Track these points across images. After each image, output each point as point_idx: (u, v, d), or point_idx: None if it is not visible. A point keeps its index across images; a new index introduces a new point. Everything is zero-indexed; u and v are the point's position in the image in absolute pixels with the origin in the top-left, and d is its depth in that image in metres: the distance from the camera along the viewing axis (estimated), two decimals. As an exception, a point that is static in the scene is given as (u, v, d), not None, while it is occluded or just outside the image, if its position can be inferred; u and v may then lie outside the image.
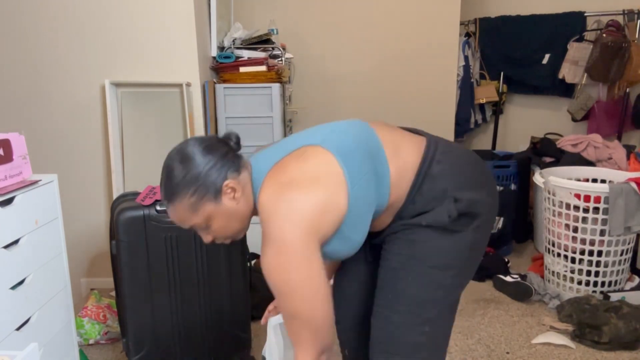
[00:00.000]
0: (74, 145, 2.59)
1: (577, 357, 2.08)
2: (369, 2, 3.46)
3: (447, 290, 1.15)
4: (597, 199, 2.35)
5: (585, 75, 3.81)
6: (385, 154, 1.12)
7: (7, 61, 2.50)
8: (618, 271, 2.46)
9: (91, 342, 2.19)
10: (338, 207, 1.04)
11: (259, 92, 2.76)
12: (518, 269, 2.96)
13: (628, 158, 3.19)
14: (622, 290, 2.47)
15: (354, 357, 1.45)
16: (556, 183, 2.48)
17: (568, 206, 2.45)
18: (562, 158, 3.35)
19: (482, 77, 4.23)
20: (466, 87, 4.02)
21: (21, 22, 2.46)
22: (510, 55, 4.07)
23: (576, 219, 2.43)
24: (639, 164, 2.99)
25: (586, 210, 2.40)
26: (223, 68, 2.82)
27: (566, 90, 4.04)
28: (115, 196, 2.49)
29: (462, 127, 4.05)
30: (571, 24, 3.88)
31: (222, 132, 2.78)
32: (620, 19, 3.77)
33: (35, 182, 1.50)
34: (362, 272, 1.36)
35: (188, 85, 2.54)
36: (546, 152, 3.52)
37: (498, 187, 3.04)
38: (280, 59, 2.96)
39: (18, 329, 1.40)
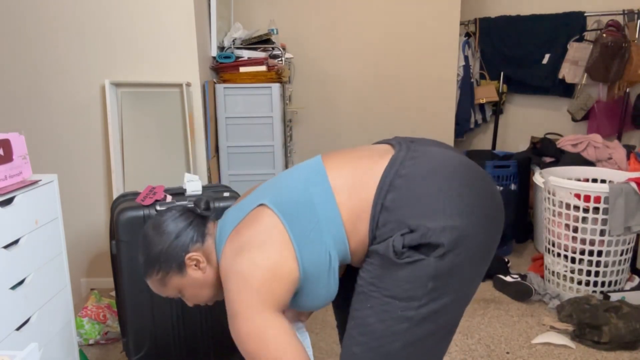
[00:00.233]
0: (74, 145, 2.59)
1: (577, 357, 2.08)
2: (369, 2, 3.46)
3: (414, 323, 1.03)
4: (597, 199, 2.35)
5: (585, 75, 3.81)
6: (335, 201, 1.07)
7: (7, 61, 2.50)
8: (618, 271, 2.46)
9: (91, 342, 2.19)
10: (289, 269, 1.05)
11: (259, 92, 2.76)
12: (518, 269, 2.96)
13: (628, 158, 3.19)
14: (622, 290, 2.47)
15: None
16: (556, 183, 2.48)
17: (568, 206, 2.45)
18: (562, 158, 3.35)
19: (482, 77, 4.23)
20: (466, 87, 4.02)
21: (21, 22, 2.46)
22: (510, 55, 4.07)
23: (576, 219, 2.43)
24: (639, 164, 2.99)
25: (586, 210, 2.40)
26: (223, 68, 2.82)
27: (566, 90, 4.04)
28: (115, 196, 2.48)
29: (462, 127, 4.06)
30: (571, 24, 3.88)
31: (222, 132, 2.79)
32: (620, 19, 3.77)
33: (35, 182, 1.50)
34: None
35: (188, 85, 2.54)
36: (546, 152, 3.52)
37: (498, 187, 3.03)
38: (280, 59, 2.96)
39: (18, 329, 1.40)
